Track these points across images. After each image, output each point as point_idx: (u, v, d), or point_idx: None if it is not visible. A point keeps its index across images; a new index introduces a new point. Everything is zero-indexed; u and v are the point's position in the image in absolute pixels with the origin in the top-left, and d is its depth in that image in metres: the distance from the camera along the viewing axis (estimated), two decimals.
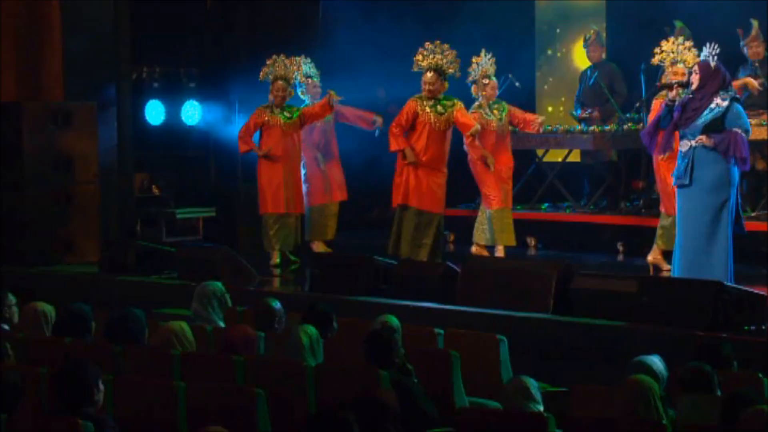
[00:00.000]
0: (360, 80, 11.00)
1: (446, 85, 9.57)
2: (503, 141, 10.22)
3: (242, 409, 5.07)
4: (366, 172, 11.48)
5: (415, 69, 9.59)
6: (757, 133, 10.02)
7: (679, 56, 8.90)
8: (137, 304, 6.77)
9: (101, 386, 4.88)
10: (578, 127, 11.25)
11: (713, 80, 7.70)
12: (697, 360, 5.31)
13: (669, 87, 7.92)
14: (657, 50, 8.92)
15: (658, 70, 9.26)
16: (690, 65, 8.70)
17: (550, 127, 11.40)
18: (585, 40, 11.57)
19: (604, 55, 11.55)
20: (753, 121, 10.11)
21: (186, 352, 5.86)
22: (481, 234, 10.22)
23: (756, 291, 6.97)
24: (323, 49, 12.08)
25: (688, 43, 8.82)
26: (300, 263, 10.25)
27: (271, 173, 10.20)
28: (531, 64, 12.99)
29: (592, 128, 11.04)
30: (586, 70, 11.62)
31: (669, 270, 8.98)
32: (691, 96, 7.76)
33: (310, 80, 10.62)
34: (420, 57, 9.54)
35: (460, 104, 9.60)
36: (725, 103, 7.67)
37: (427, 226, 9.61)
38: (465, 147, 10.09)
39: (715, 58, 7.75)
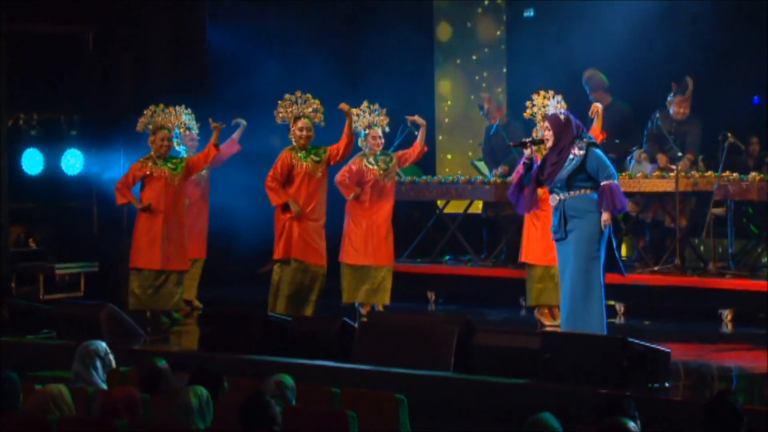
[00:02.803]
0: (252, 128, 11.05)
1: (314, 133, 9.76)
2: (383, 192, 10.23)
3: None
4: (258, 226, 11.48)
5: (279, 121, 9.75)
6: (659, 185, 10.33)
7: (550, 110, 9.22)
8: (11, 366, 6.62)
9: None
10: (479, 178, 11.45)
11: (567, 132, 7.99)
12: (605, 417, 5.39)
13: (523, 145, 8.17)
14: (529, 103, 9.21)
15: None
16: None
17: (450, 178, 11.58)
18: (481, 109, 11.83)
19: (505, 111, 11.81)
20: (655, 174, 10.44)
21: (64, 416, 5.76)
22: (346, 292, 10.27)
23: (659, 347, 7.13)
24: (212, 96, 12.11)
25: (558, 97, 9.13)
26: (182, 320, 10.18)
27: (149, 226, 10.03)
28: (431, 111, 13.20)
29: (493, 179, 11.24)
30: (489, 126, 11.85)
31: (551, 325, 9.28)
32: (549, 151, 8.02)
33: (188, 132, 10.63)
34: (282, 109, 9.71)
35: (329, 147, 9.79)
36: (582, 152, 7.95)
37: (314, 280, 9.68)
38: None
39: (563, 110, 8.05)
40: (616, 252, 8.10)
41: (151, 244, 10.02)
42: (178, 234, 10.16)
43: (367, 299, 10.16)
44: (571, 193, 7.96)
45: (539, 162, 8.09)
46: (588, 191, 7.95)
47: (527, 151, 8.13)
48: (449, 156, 13.52)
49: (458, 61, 13.56)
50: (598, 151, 8.02)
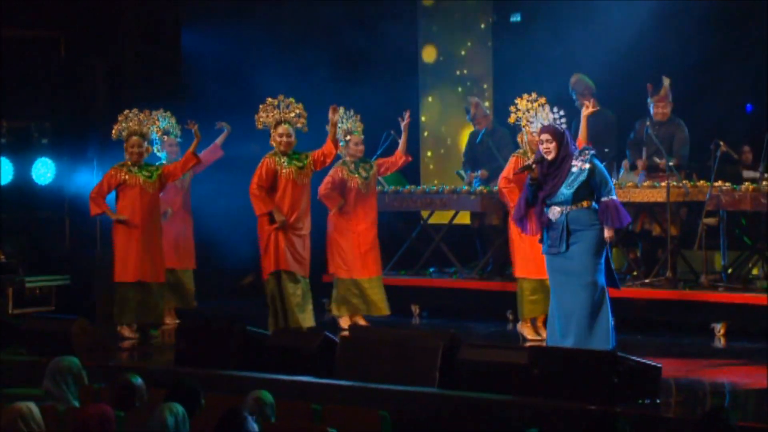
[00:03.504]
0: (229, 134, 11.04)
1: (296, 139, 9.74)
2: (366, 200, 10.34)
3: None
4: (235, 235, 11.46)
5: (260, 127, 9.74)
6: (649, 195, 10.36)
7: (536, 115, 9.27)
8: None
9: None
10: (465, 188, 11.46)
11: (566, 143, 8.02)
12: None
13: (528, 169, 8.12)
14: (512, 108, 9.26)
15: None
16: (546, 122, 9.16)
17: (435, 188, 11.60)
18: (467, 113, 11.86)
19: (492, 118, 11.85)
20: (645, 183, 10.48)
21: None
22: (336, 306, 10.34)
23: (650, 362, 7.15)
24: (188, 101, 12.09)
25: (541, 100, 9.16)
26: (160, 336, 10.17)
27: (127, 238, 10.05)
28: (415, 118, 13.25)
29: (479, 188, 11.26)
30: (474, 132, 11.89)
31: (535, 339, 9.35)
32: (549, 164, 8.02)
33: (167, 137, 10.61)
34: (263, 114, 9.70)
35: (311, 153, 9.78)
36: (588, 165, 7.99)
37: (307, 290, 9.73)
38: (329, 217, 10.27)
39: (562, 122, 8.05)
40: (612, 264, 8.15)
41: (130, 257, 10.02)
42: (155, 245, 10.15)
43: (365, 312, 10.22)
44: (574, 206, 7.99)
45: (538, 178, 8.06)
46: (590, 203, 8.00)
47: (534, 174, 8.06)
48: (429, 153, 13.62)
49: (442, 58, 13.63)
50: (601, 165, 8.08)
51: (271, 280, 9.69)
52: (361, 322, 10.30)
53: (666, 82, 10.71)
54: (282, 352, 8.13)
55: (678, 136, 10.73)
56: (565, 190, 7.97)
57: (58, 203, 12.43)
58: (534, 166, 8.08)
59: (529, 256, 9.41)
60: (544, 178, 8.04)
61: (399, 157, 10.48)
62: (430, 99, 13.73)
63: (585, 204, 7.99)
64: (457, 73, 13.55)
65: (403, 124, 10.44)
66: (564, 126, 8.11)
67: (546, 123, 8.23)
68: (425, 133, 13.68)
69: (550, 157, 8.01)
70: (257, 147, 10.35)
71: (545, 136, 8.05)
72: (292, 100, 9.77)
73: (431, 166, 13.65)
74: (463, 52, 13.56)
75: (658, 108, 10.74)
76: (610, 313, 8.02)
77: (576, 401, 6.84)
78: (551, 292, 8.21)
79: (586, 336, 7.93)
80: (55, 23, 12.49)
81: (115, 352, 9.23)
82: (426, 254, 11.74)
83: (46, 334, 9.17)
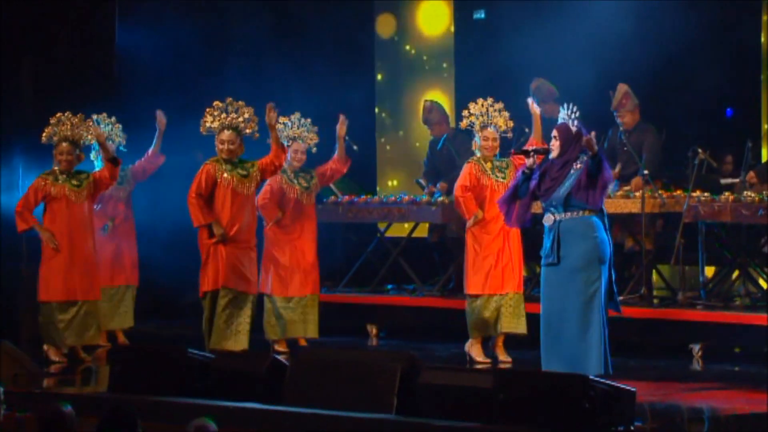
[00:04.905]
0: (169, 141, 11.01)
1: (243, 147, 9.71)
2: (305, 212, 10.34)
3: None
4: (176, 250, 11.43)
5: (204, 132, 9.71)
6: (623, 206, 10.45)
7: (489, 120, 9.38)
8: None
9: None
10: (425, 197, 11.49)
11: (575, 146, 8.06)
12: None
13: (525, 154, 8.22)
14: (465, 113, 9.34)
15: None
16: (502, 129, 9.28)
17: (393, 197, 11.62)
18: (424, 112, 11.91)
19: (452, 124, 11.92)
20: (619, 193, 10.59)
21: None
22: (269, 327, 10.32)
23: (624, 386, 7.21)
24: (123, 104, 12.05)
25: (498, 105, 9.23)
26: (92, 360, 10.12)
27: (53, 253, 9.97)
28: (371, 127, 13.30)
29: (441, 198, 11.29)
30: (434, 139, 11.95)
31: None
32: (551, 163, 8.10)
33: (109, 144, 10.54)
34: (209, 118, 9.67)
35: (259, 160, 9.78)
36: (582, 166, 8.04)
37: (242, 309, 9.66)
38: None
39: (575, 121, 8.10)
40: (614, 286, 8.16)
41: (56, 274, 9.95)
42: (87, 260, 10.09)
43: (294, 333, 10.21)
44: (568, 213, 8.03)
45: (538, 174, 8.13)
46: (586, 213, 8.03)
47: (529, 161, 8.15)
48: (388, 148, 13.69)
49: (402, 56, 13.72)
50: None
51: (210, 297, 9.66)
52: (302, 343, 10.29)
53: (622, 89, 10.80)
54: (227, 376, 8.12)
55: (647, 142, 10.83)
56: (560, 195, 8.02)
57: None
58: (533, 153, 8.17)
59: (482, 270, 9.47)
60: (541, 175, 8.11)
61: (336, 163, 10.44)
62: (385, 92, 13.80)
63: (579, 213, 8.03)
64: (418, 71, 13.61)
65: (338, 132, 10.39)
66: (576, 127, 8.10)
67: (560, 122, 8.26)
68: (381, 138, 13.74)
69: (553, 155, 8.09)
70: (201, 154, 10.33)
71: (554, 133, 8.15)
72: (241, 103, 9.73)
73: (387, 147, 13.70)
74: (423, 50, 13.62)
75: (621, 117, 10.87)
76: (604, 336, 8.00)
77: (545, 428, 6.88)
78: (543, 309, 8.21)
79: (578, 360, 7.94)
80: None
81: (42, 377, 9.16)
82: (383, 270, 11.75)
83: None
